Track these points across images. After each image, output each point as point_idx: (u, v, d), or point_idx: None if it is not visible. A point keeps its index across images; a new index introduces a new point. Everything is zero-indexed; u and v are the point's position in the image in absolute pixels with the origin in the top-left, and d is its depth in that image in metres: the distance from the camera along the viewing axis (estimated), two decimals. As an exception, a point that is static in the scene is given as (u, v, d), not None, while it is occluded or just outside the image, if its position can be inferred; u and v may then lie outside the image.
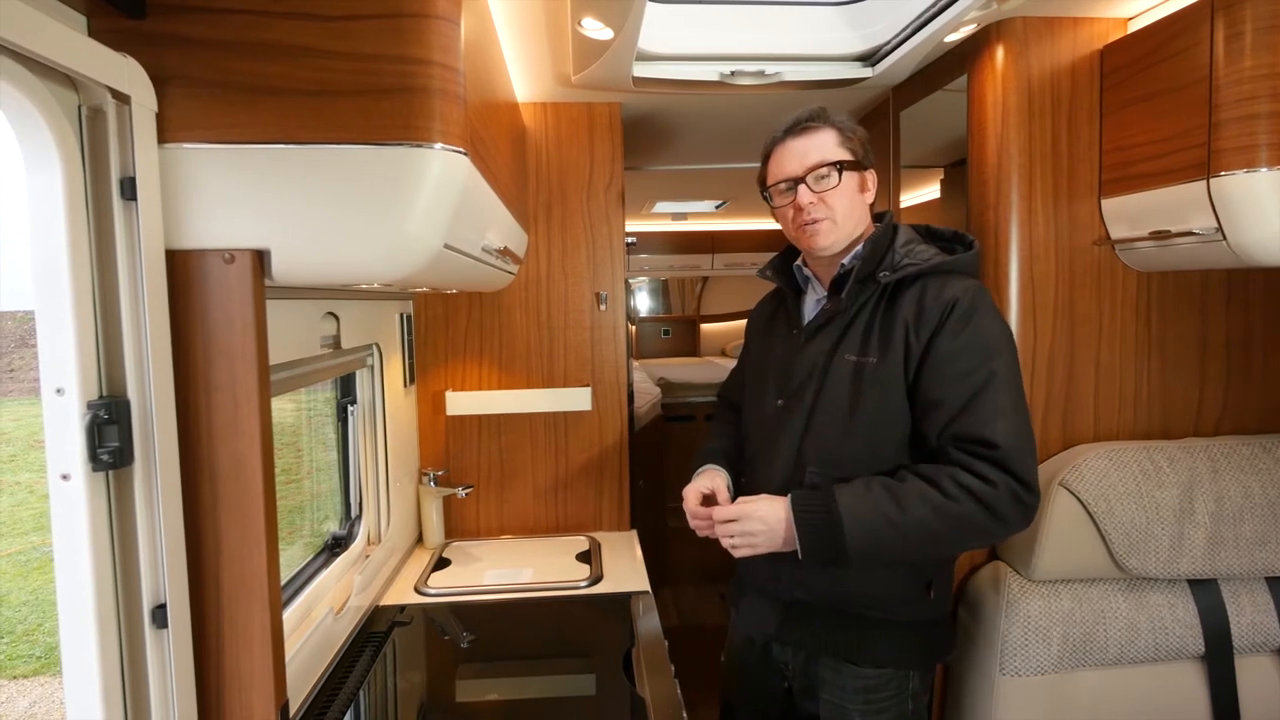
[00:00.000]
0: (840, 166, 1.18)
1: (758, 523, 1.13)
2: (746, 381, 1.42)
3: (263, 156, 0.83)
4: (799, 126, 1.21)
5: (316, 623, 1.22)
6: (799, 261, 1.32)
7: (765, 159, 1.26)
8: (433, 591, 1.60)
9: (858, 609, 1.19)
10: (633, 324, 5.61)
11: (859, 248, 1.21)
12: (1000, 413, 1.07)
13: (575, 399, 1.95)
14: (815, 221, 1.18)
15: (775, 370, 1.29)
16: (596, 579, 1.64)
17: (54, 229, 0.72)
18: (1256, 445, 1.46)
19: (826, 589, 1.20)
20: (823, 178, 1.18)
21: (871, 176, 1.24)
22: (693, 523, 1.24)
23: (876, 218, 1.27)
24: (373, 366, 1.61)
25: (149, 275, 0.77)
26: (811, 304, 1.30)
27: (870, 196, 1.24)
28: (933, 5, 1.41)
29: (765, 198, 1.27)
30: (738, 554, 1.17)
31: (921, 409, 1.13)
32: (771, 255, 1.38)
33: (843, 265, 1.22)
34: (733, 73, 1.66)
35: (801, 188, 1.18)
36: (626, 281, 2.02)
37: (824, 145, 1.19)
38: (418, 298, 1.91)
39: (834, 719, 1.23)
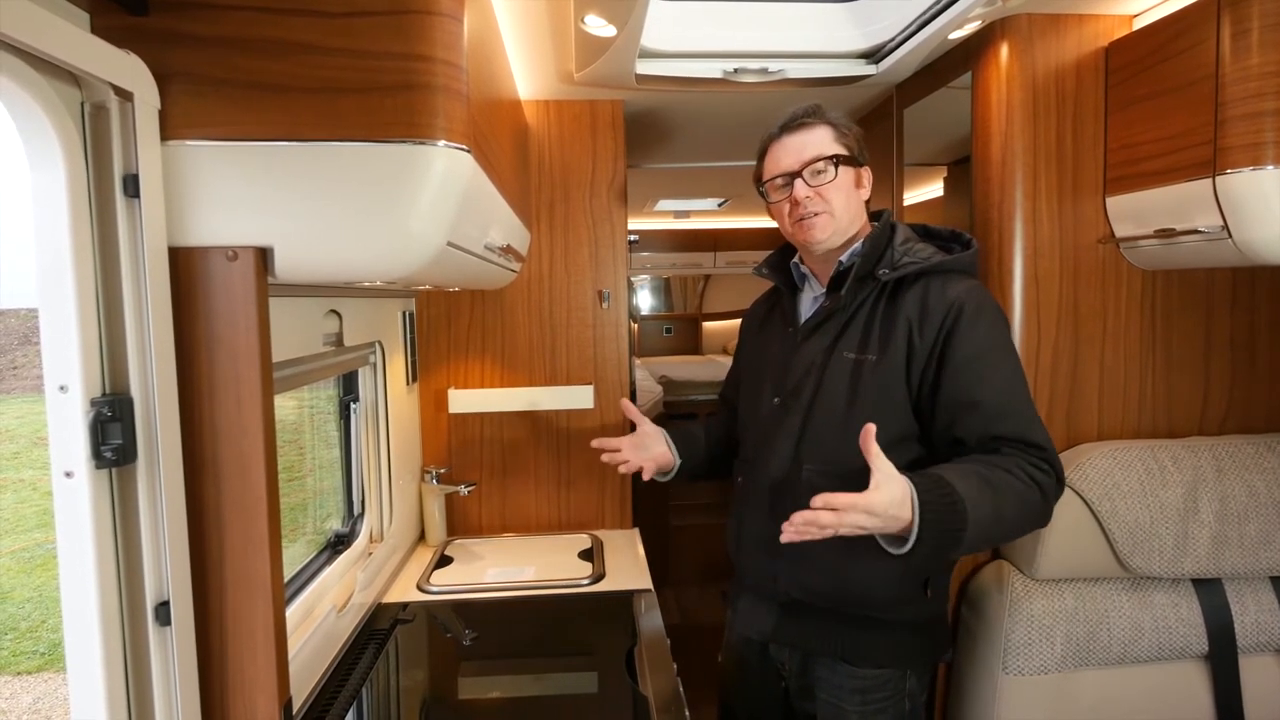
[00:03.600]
0: (836, 161, 1.18)
1: (876, 520, 0.95)
2: (742, 380, 1.42)
3: (266, 154, 0.83)
4: (795, 123, 1.21)
5: (319, 620, 1.23)
6: (796, 259, 1.31)
7: (761, 156, 1.27)
8: (435, 589, 1.60)
9: (855, 609, 1.19)
10: (635, 322, 5.60)
11: (857, 245, 1.21)
12: (1033, 414, 1.11)
13: (577, 397, 1.95)
14: (813, 215, 1.18)
15: (772, 368, 1.29)
16: (598, 577, 1.64)
17: (57, 226, 0.71)
18: (1261, 444, 1.46)
19: (824, 589, 1.19)
20: (819, 172, 1.18)
21: (867, 173, 1.24)
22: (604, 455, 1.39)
23: (874, 216, 1.27)
24: (375, 364, 1.61)
25: (152, 273, 0.77)
26: (808, 302, 1.30)
27: (866, 193, 1.24)
28: (936, 2, 1.40)
29: (761, 194, 1.27)
30: (839, 532, 0.95)
31: (951, 412, 1.11)
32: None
33: (841, 263, 1.21)
34: (736, 70, 1.66)
35: (798, 182, 1.18)
36: (629, 279, 2.02)
37: (820, 141, 1.19)
38: (420, 295, 1.91)
39: (831, 718, 1.23)
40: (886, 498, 0.95)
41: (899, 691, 1.21)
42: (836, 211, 1.18)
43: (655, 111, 2.04)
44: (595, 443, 1.41)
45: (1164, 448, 1.44)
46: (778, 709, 1.33)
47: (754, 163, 1.30)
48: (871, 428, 0.97)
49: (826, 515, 0.93)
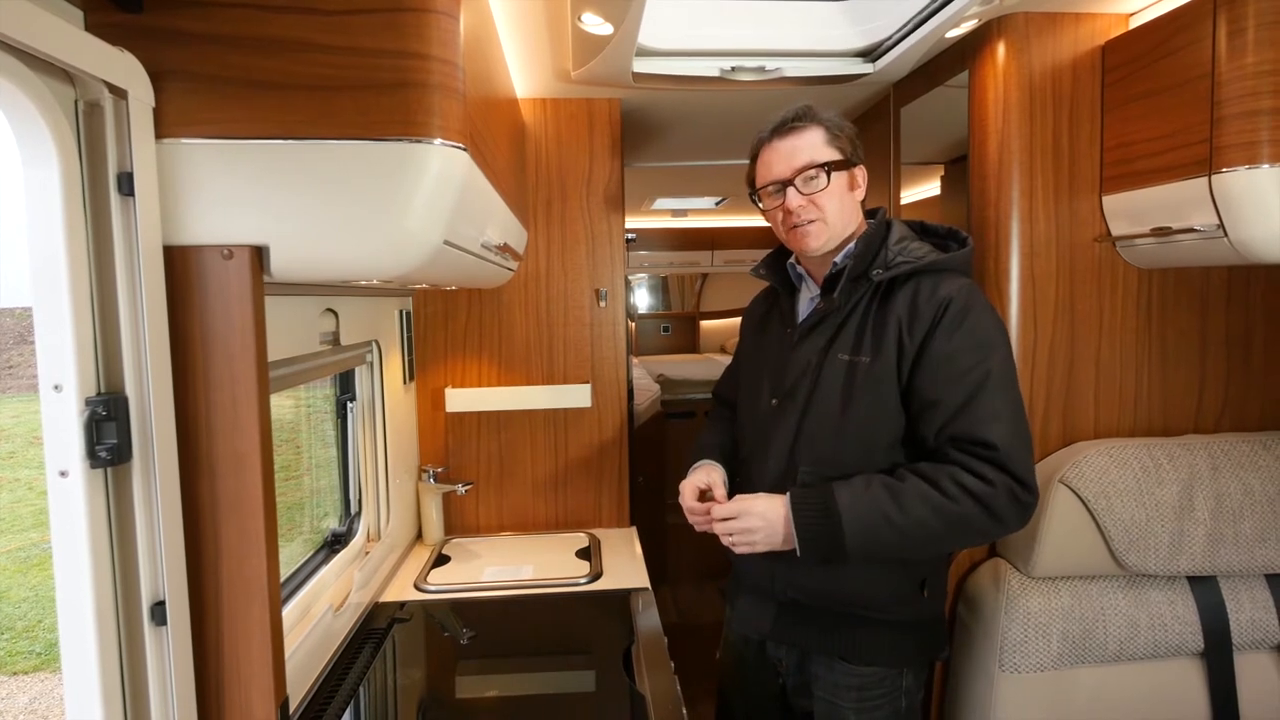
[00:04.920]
0: (829, 168, 1.16)
1: (757, 519, 1.13)
2: (741, 380, 1.42)
3: (261, 152, 0.83)
4: (786, 126, 1.19)
5: (316, 620, 1.22)
6: (792, 259, 1.31)
7: (753, 159, 1.25)
8: (432, 588, 1.60)
9: (852, 609, 1.19)
10: (632, 321, 5.60)
11: (851, 245, 1.20)
12: (997, 413, 1.07)
13: (575, 396, 1.95)
14: (806, 223, 1.18)
15: (769, 369, 1.29)
16: (596, 576, 1.64)
17: (52, 225, 0.71)
18: (1256, 442, 1.46)
19: (821, 589, 1.20)
20: (811, 179, 1.17)
21: (861, 173, 1.22)
22: (690, 518, 1.25)
23: (869, 214, 1.26)
24: (372, 363, 1.61)
25: (147, 271, 0.77)
26: (805, 302, 1.29)
27: (861, 194, 1.23)
28: (933, 1, 1.41)
29: (754, 200, 1.26)
30: (737, 550, 1.16)
31: (918, 409, 1.12)
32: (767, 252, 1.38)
33: (835, 264, 1.21)
34: (733, 69, 1.66)
35: (790, 190, 1.17)
36: (626, 278, 2.02)
37: (812, 145, 1.17)
38: (417, 294, 1.91)
39: (827, 716, 1.23)
40: (762, 506, 1.14)
41: (895, 689, 1.21)
42: (830, 218, 1.18)
43: (652, 110, 2.04)
44: (700, 527, 1.24)
45: (1160, 446, 1.45)
46: (775, 706, 1.33)
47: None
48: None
49: (717, 525, 1.16)
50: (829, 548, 1.09)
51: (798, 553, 1.11)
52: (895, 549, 1.09)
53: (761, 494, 1.17)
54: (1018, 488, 1.06)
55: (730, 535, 1.15)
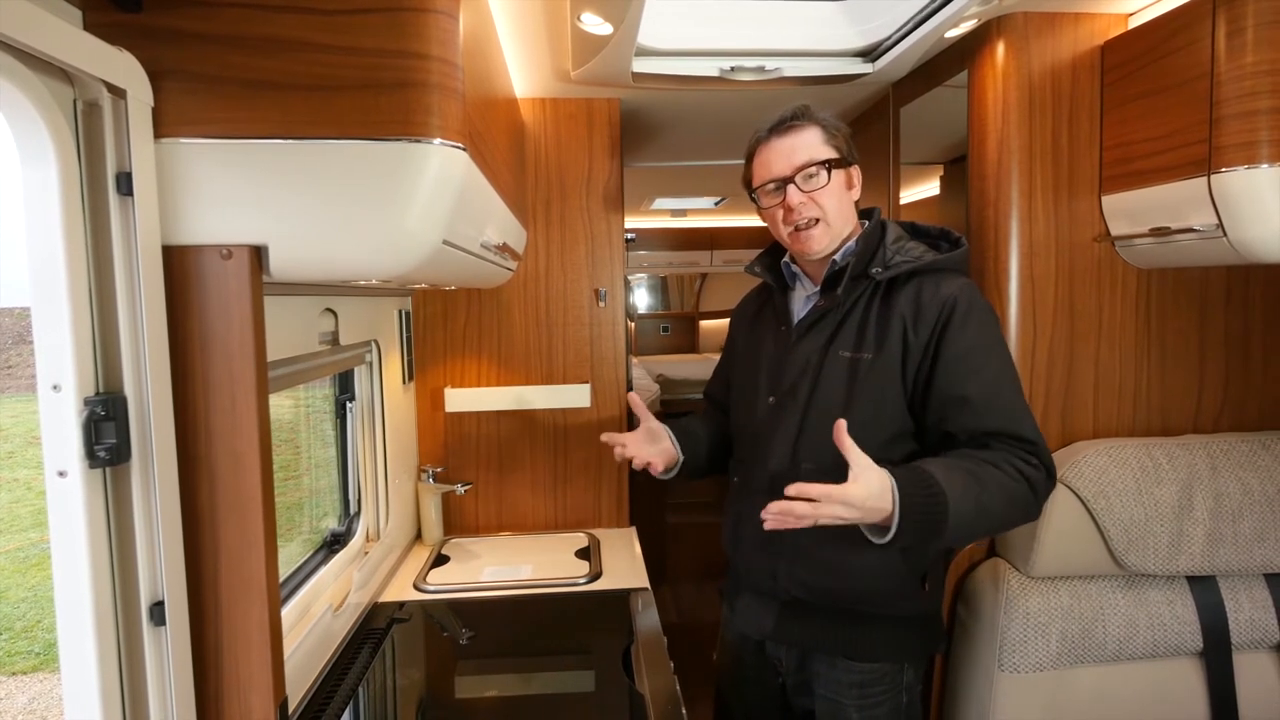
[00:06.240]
0: (829, 165, 1.17)
1: (855, 511, 0.98)
2: (734, 381, 1.42)
3: (260, 151, 0.83)
4: (784, 125, 1.19)
5: (315, 620, 1.22)
6: (786, 258, 1.31)
7: (749, 159, 1.25)
8: (432, 588, 1.60)
9: (854, 605, 1.20)
10: (632, 321, 5.60)
11: (850, 244, 1.21)
12: (1024, 409, 1.12)
13: (574, 396, 1.95)
14: (808, 225, 1.18)
15: (766, 368, 1.29)
16: (595, 576, 1.64)
17: (50, 225, 0.71)
18: (1255, 442, 1.46)
19: (825, 585, 1.20)
20: (811, 176, 1.17)
21: (856, 173, 1.23)
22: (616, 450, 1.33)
23: (864, 214, 1.27)
24: (371, 363, 1.61)
25: (146, 271, 0.77)
26: (800, 300, 1.30)
27: (856, 194, 1.23)
28: (932, 1, 1.41)
29: (752, 199, 1.26)
30: (801, 525, 0.99)
31: (939, 406, 1.12)
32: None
33: (834, 262, 1.21)
34: (732, 68, 1.66)
35: (791, 188, 1.17)
36: (625, 278, 2.02)
37: (810, 143, 1.18)
38: (416, 294, 1.91)
39: (829, 713, 1.23)
40: (864, 490, 0.98)
41: (896, 685, 1.21)
42: (830, 218, 1.18)
43: (652, 110, 2.04)
44: (605, 437, 1.36)
45: (1159, 445, 1.45)
46: (774, 706, 1.33)
47: None
48: (842, 423, 1.01)
49: (802, 506, 0.97)
50: (929, 530, 1.00)
51: (890, 533, 0.99)
52: (971, 535, 1.09)
53: (873, 469, 1.00)
54: (1047, 477, 1.10)
55: (815, 516, 0.97)
